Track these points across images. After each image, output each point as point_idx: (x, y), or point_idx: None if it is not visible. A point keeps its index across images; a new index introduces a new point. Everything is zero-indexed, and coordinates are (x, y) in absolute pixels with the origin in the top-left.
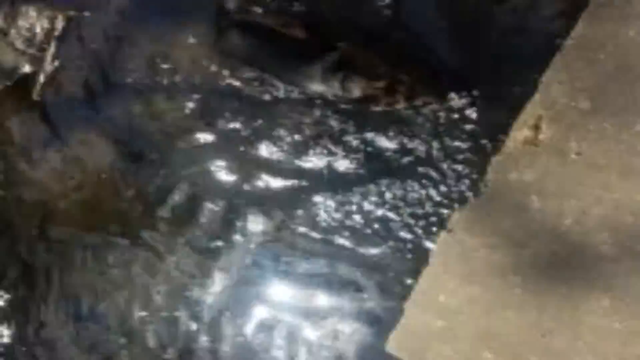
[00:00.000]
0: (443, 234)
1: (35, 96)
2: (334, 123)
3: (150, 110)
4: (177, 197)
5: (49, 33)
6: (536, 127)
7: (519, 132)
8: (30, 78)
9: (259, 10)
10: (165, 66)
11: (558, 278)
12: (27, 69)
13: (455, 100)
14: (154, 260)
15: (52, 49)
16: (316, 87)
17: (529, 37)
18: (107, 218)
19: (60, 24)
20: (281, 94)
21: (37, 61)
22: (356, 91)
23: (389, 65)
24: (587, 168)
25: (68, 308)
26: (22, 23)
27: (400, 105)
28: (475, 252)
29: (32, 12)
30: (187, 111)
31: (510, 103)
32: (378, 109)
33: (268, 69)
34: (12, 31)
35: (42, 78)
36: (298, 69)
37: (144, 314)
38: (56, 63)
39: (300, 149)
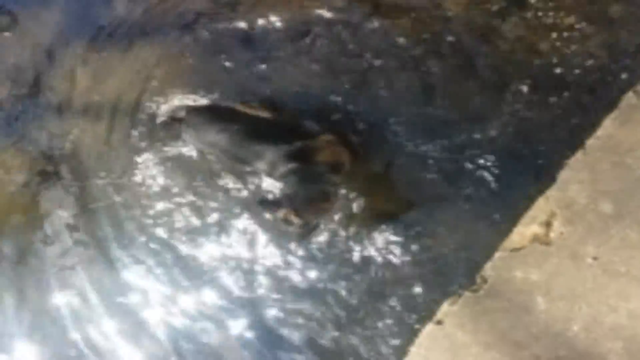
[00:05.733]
0: (430, 325)
1: None
2: None
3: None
4: None
5: None
6: (547, 225)
7: (527, 228)
8: None
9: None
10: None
11: None
12: None
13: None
14: None
15: None
16: (260, 165)
17: (548, 129)
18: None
19: None
20: None
21: None
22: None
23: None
24: (604, 274)
25: None
26: None
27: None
28: (466, 348)
29: None
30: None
31: (520, 196)
32: None
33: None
34: None
35: None
36: (255, 146)
37: None
38: None
39: None
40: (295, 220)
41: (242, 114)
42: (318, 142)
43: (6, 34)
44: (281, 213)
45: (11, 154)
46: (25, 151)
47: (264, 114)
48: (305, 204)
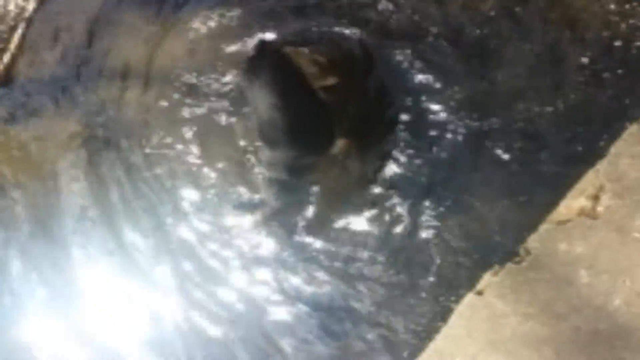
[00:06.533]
0: (470, 296)
1: None
2: None
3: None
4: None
5: (21, 12)
6: (595, 198)
7: (575, 201)
8: None
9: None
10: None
11: (597, 357)
12: None
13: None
14: None
15: (19, 31)
16: (266, 155)
17: (603, 102)
18: None
19: (32, 4)
20: None
21: (7, 41)
22: None
23: None
24: None
25: None
26: None
27: None
28: (506, 318)
29: None
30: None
31: (568, 168)
32: None
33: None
34: None
35: (6, 59)
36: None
37: None
38: (23, 44)
39: None
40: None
41: (304, 88)
42: (320, 164)
43: None
44: (255, 217)
45: (62, 118)
46: (75, 116)
47: (328, 80)
48: (276, 213)
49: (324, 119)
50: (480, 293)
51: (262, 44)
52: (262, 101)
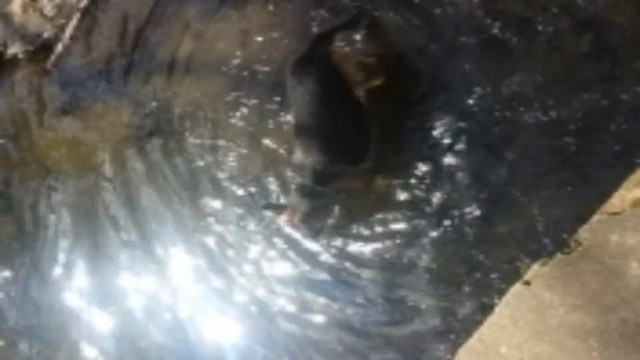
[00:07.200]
0: (518, 285)
1: (49, 65)
2: None
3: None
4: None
5: (77, 3)
6: None
7: (629, 192)
8: (52, 45)
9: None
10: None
11: None
12: (50, 36)
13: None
14: None
15: (74, 20)
16: (298, 159)
17: None
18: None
19: None
20: None
21: (61, 30)
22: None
23: None
24: None
25: None
26: None
27: None
28: (553, 309)
29: None
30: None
31: (623, 159)
32: None
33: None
34: None
35: (59, 48)
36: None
37: None
38: (76, 34)
39: None
40: (298, 225)
41: (346, 97)
42: (349, 174)
43: None
44: (283, 217)
45: (111, 108)
46: (124, 106)
47: (374, 82)
48: (303, 215)
49: (360, 130)
50: (527, 283)
51: (310, 48)
52: (303, 107)
